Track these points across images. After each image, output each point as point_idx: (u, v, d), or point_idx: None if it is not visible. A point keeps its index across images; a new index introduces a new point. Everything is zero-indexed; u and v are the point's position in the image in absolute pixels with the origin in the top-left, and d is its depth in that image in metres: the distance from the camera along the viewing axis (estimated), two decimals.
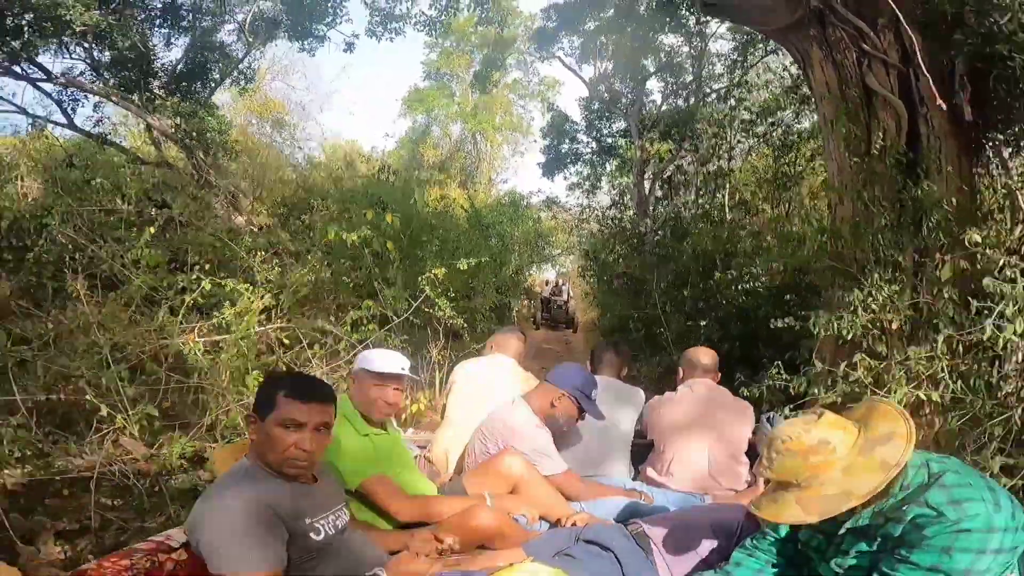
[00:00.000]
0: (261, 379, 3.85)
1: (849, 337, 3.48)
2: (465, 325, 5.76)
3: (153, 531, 3.61)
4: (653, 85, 13.41)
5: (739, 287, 7.59)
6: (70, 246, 4.50)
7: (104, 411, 3.24)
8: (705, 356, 3.29)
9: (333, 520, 1.85)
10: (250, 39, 10.66)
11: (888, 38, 4.78)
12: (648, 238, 10.87)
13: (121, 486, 3.46)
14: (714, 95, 11.93)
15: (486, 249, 8.71)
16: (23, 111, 9.29)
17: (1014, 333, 2.71)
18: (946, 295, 3.18)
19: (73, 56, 9.18)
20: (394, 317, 4.88)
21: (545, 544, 2.19)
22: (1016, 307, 2.76)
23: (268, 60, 12.93)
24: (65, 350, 3.64)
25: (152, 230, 4.57)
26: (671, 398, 3.20)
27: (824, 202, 6.64)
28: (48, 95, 9.29)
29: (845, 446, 1.48)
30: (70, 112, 9.36)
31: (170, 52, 10.52)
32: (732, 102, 11.27)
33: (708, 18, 10.65)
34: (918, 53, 4.31)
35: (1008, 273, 2.95)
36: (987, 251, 2.98)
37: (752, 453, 3.06)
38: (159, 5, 10.34)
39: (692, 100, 11.89)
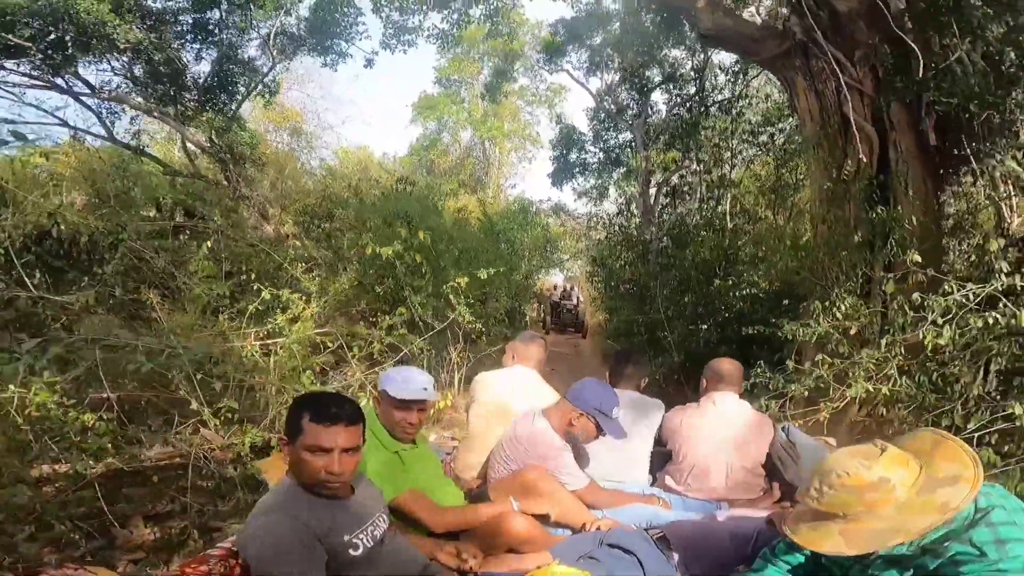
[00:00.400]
0: (312, 377, 4.52)
1: (813, 341, 4.12)
2: (482, 329, 6.39)
3: (225, 514, 4.21)
4: (658, 97, 14.02)
5: (737, 293, 8.19)
6: (137, 259, 5.16)
7: (194, 405, 3.87)
8: (729, 369, 3.27)
9: (371, 531, 1.90)
10: (274, 54, 11.40)
11: (864, 69, 5.42)
12: (653, 245, 11.48)
13: (203, 474, 4.07)
14: (716, 106, 12.50)
15: (500, 258, 9.31)
16: (64, 123, 10.01)
17: (945, 338, 3.33)
18: (896, 305, 3.79)
19: (116, 72, 9.93)
20: (421, 323, 5.53)
21: (570, 548, 2.30)
22: (949, 316, 3.39)
23: (284, 69, 13.61)
24: (143, 353, 4.28)
25: (209, 244, 5.24)
26: (693, 409, 3.21)
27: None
28: (89, 108, 10.03)
29: (904, 486, 1.44)
30: (109, 124, 10.14)
31: (199, 66, 11.32)
32: (734, 113, 11.85)
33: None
34: (894, 81, 4.97)
35: (946, 287, 3.59)
36: (926, 269, 3.61)
37: (766, 461, 3.13)
38: (190, 21, 11.11)
39: (695, 111, 12.47)
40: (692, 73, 12.96)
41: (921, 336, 3.35)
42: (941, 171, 5.08)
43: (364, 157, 20.14)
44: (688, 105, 12.92)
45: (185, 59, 10.49)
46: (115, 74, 9.79)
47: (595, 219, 14.93)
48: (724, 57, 14.00)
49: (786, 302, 6.48)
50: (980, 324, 3.35)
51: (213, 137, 9.43)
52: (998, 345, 3.43)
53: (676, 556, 2.24)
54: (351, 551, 1.79)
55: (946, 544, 1.39)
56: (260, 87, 11.54)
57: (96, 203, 7.48)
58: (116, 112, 10.15)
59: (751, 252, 8.19)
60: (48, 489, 4.22)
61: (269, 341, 4.58)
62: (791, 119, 11.27)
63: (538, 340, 3.61)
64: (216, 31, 11.09)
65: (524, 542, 2.31)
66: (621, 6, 12.03)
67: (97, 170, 8.17)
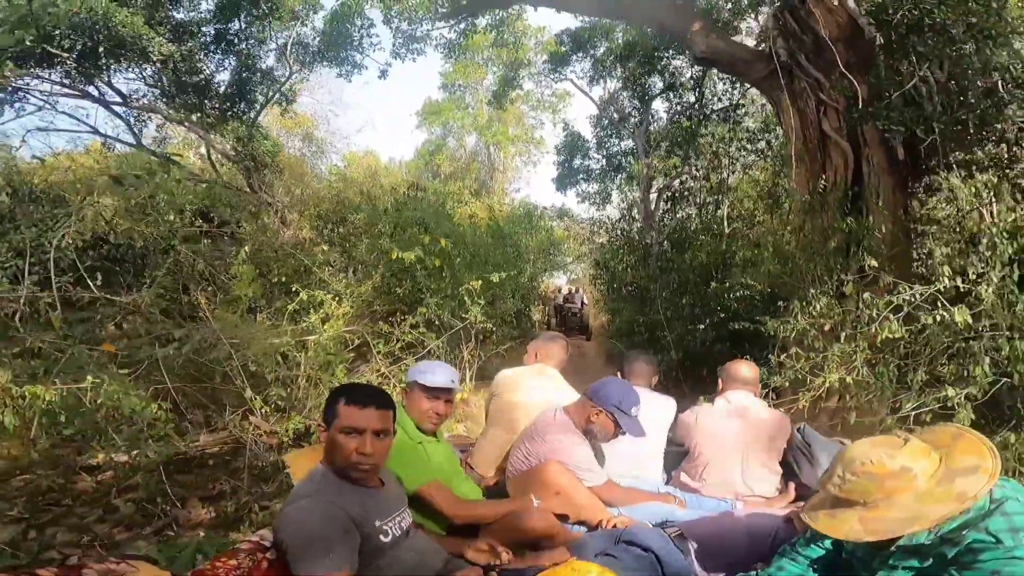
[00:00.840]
0: (344, 370, 5.12)
1: (792, 337, 4.71)
2: (492, 328, 6.99)
3: (271, 494, 4.72)
4: (659, 105, 14.62)
5: (732, 295, 8.77)
6: (180, 262, 5.77)
7: (248, 394, 4.47)
8: (745, 370, 3.35)
9: (399, 522, 2.01)
10: (291, 63, 12.04)
11: (840, 89, 6.01)
12: (653, 249, 12.09)
13: (251, 458, 4.61)
14: (715, 114, 13.08)
15: (508, 262, 9.90)
16: (95, 131, 10.65)
17: (895, 332, 3.93)
18: (861, 305, 4.38)
19: (147, 83, 10.57)
20: (438, 322, 6.13)
21: (587, 545, 2.34)
22: (897, 316, 3.99)
23: (304, 79, 14.27)
24: (196, 349, 4.88)
25: (247, 249, 5.85)
26: (709, 407, 3.30)
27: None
28: (119, 116, 10.66)
29: (925, 475, 1.51)
30: (137, 132, 10.78)
31: (219, 75, 11.96)
32: (732, 121, 12.43)
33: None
34: (861, 102, 5.59)
35: (901, 289, 4.18)
36: (880, 272, 4.20)
37: (782, 461, 3.21)
38: (212, 32, 11.75)
39: (695, 119, 13.06)
40: (692, 82, 13.54)
41: (873, 331, 3.95)
42: (909, 183, 5.67)
43: (372, 162, 20.76)
44: (688, 113, 13.51)
45: (208, 69, 11.17)
46: (146, 84, 10.44)
47: (598, 223, 15.56)
48: None
49: (781, 304, 7.11)
50: (930, 320, 3.95)
51: (236, 145, 10.03)
52: (946, 339, 4.02)
53: (693, 554, 2.27)
54: (382, 537, 1.91)
55: (964, 532, 1.45)
56: (278, 95, 12.20)
57: (128, 207, 8.09)
58: (144, 120, 10.80)
59: (745, 256, 8.76)
60: (108, 474, 4.78)
61: (304, 338, 5.19)
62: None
63: (560, 340, 3.72)
64: (236, 41, 11.74)
65: (543, 538, 2.36)
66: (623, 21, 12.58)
67: (127, 175, 8.76)
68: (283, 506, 1.90)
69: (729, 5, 11.92)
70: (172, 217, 6.08)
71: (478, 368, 7.73)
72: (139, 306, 5.23)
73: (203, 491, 4.71)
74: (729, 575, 2.11)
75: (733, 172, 12.95)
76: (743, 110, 12.43)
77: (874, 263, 4.25)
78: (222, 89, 11.42)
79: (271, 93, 11.97)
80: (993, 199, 4.06)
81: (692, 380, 8.84)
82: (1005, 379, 3.80)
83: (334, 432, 1.91)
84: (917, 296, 3.88)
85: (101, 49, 9.29)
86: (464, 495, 2.59)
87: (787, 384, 4.81)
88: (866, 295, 4.07)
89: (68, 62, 9.19)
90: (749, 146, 12.39)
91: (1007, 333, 3.82)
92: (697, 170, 12.80)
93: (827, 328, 4.68)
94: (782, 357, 4.60)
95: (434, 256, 6.09)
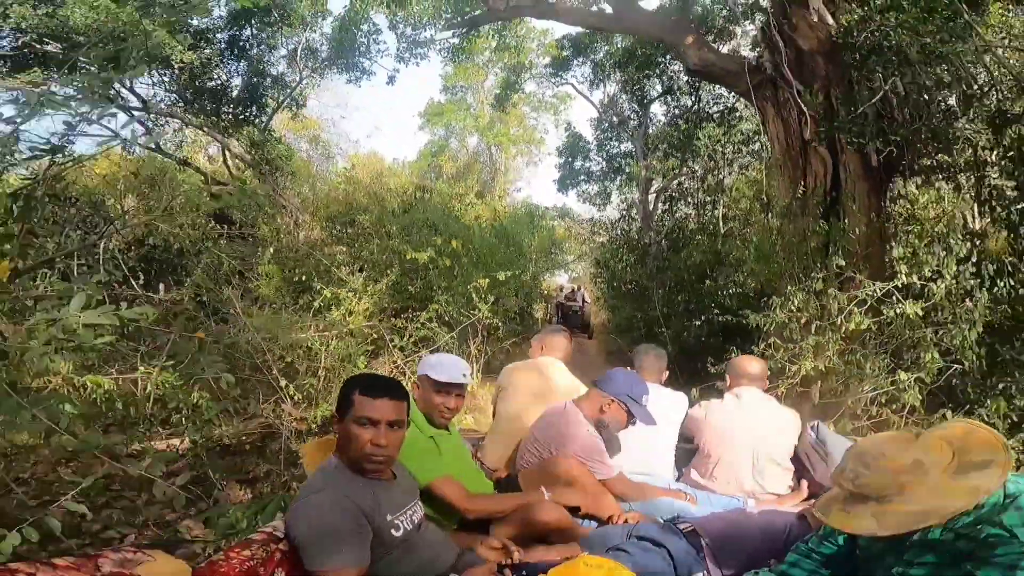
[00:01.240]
0: (364, 362, 5.65)
1: (772, 329, 5.24)
2: (499, 324, 7.53)
3: (300, 478, 5.18)
4: (657, 108, 15.16)
5: (725, 292, 9.31)
6: (215, 263, 6.30)
7: (283, 383, 5.00)
8: (752, 365, 3.37)
9: (410, 516, 2.01)
10: (301, 69, 12.62)
11: (820, 99, 6.53)
12: (651, 249, 12.63)
13: (287, 442, 5.08)
14: (710, 118, 13.60)
15: (510, 261, 10.43)
16: (116, 134, 11.14)
17: (858, 323, 4.46)
18: (829, 301, 4.90)
19: (167, 89, 11.13)
20: (448, 318, 6.67)
21: (598, 540, 2.37)
22: (861, 309, 4.53)
23: (315, 85, 14.85)
24: (230, 343, 5.40)
25: (272, 249, 6.39)
26: (718, 404, 3.29)
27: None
28: (140, 121, 11.19)
29: (938, 469, 1.52)
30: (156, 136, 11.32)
31: (232, 81, 12.51)
32: (727, 124, 12.95)
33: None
34: (836, 114, 6.12)
35: (865, 285, 4.72)
36: (852, 270, 4.74)
37: (795, 459, 3.22)
38: (225, 38, 12.30)
39: (692, 122, 13.57)
40: (688, 87, 14.06)
41: (840, 323, 4.48)
42: (883, 188, 6.18)
43: (376, 163, 21.28)
44: (685, 116, 14.03)
45: (224, 75, 11.75)
46: (164, 90, 11.01)
47: (598, 223, 16.11)
48: None
49: (767, 300, 7.65)
50: (892, 313, 4.49)
51: (250, 150, 10.58)
52: (906, 330, 4.56)
53: (706, 550, 2.27)
54: (392, 531, 1.90)
55: (978, 527, 1.44)
56: (288, 100, 12.77)
57: (149, 208, 8.61)
58: (161, 124, 11.35)
59: (737, 255, 9.29)
60: (148, 462, 5.27)
61: (327, 332, 5.71)
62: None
63: (563, 332, 3.79)
64: (248, 48, 12.31)
65: (554, 531, 2.37)
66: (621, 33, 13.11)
67: (149, 178, 9.28)
68: (294, 500, 1.92)
69: (724, 12, 12.47)
70: (201, 220, 6.59)
71: (485, 362, 8.27)
72: (179, 303, 5.75)
73: (240, 475, 5.19)
74: (741, 572, 2.07)
75: (730, 173, 13.48)
76: (738, 113, 12.94)
77: (842, 262, 4.80)
78: (235, 94, 12.01)
79: (281, 98, 12.54)
80: (949, 204, 4.58)
81: (688, 374, 9.35)
82: (957, 365, 4.34)
83: (348, 423, 1.92)
84: (878, 291, 4.41)
85: (123, 56, 9.83)
86: (475, 489, 2.57)
87: (768, 373, 5.34)
88: (831, 290, 4.61)
89: (92, 68, 9.74)
90: (744, 148, 12.90)
91: (962, 325, 4.36)
92: (694, 172, 13.33)
93: (804, 321, 5.20)
94: (761, 347, 5.11)
95: (445, 256, 6.64)
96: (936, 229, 4.55)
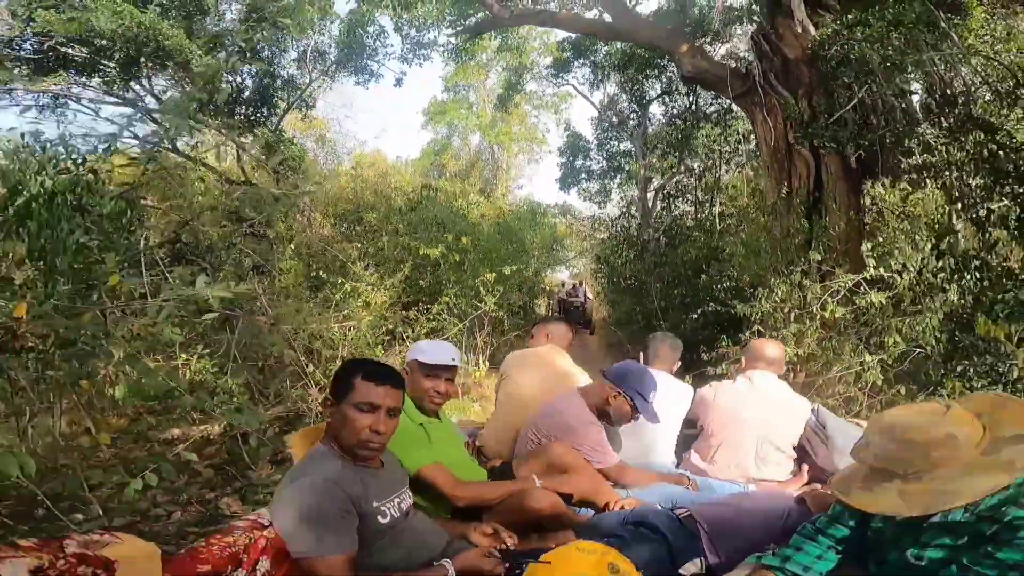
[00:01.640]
0: (382, 351, 6.16)
1: (756, 318, 5.74)
2: (504, 317, 8.03)
3: None
4: (656, 108, 15.64)
5: (719, 286, 9.80)
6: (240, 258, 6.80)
7: (310, 368, 5.50)
8: (769, 349, 3.30)
9: (398, 503, 1.99)
10: (311, 72, 13.11)
11: (804, 104, 7.03)
12: (650, 245, 13.14)
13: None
14: (707, 117, 14.08)
15: (513, 256, 10.95)
16: (135, 136, 11.66)
17: (833, 312, 4.96)
18: (807, 292, 5.40)
19: (185, 90, 11.62)
20: (456, 310, 7.19)
21: (594, 527, 2.36)
22: (834, 299, 5.03)
23: (328, 88, 15.36)
24: (256, 332, 5.90)
25: (292, 246, 6.90)
26: (729, 385, 3.26)
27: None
28: (156, 122, 11.66)
29: (970, 444, 1.44)
30: (172, 136, 11.78)
31: (243, 82, 12.99)
32: (723, 124, 13.45)
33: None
34: (819, 118, 6.61)
35: (839, 275, 5.21)
36: (830, 264, 5.24)
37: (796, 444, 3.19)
38: (239, 41, 12.79)
39: (689, 121, 14.06)
40: (686, 87, 14.53)
41: (815, 311, 4.99)
42: (861, 187, 6.68)
43: (380, 161, 21.77)
44: (683, 116, 14.52)
45: (240, 77, 12.24)
46: (180, 92, 11.46)
47: (599, 221, 16.63)
48: None
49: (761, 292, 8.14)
50: (862, 303, 4.99)
51: (263, 151, 11.08)
52: (876, 317, 5.07)
53: (704, 536, 2.25)
54: (380, 518, 1.89)
55: (1003, 509, 1.39)
56: (298, 102, 13.26)
57: (181, 207, 9.07)
58: (174, 125, 11.81)
59: (731, 251, 9.79)
60: (182, 445, 5.75)
61: (348, 323, 6.21)
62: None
63: (564, 321, 3.88)
64: (260, 50, 12.79)
65: (548, 519, 2.35)
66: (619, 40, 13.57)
67: (177, 177, 9.76)
68: (279, 485, 1.91)
69: (720, 17, 12.95)
70: (228, 218, 7.07)
71: (490, 354, 8.78)
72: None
73: (271, 455, 5.68)
74: (739, 558, 2.04)
75: (727, 172, 13.97)
76: (734, 113, 13.41)
77: (818, 257, 5.30)
78: (246, 95, 12.50)
79: (291, 99, 13.03)
80: (912, 204, 5.08)
81: (684, 363, 9.85)
82: (919, 349, 4.84)
83: (347, 407, 1.91)
84: (849, 283, 4.91)
85: (143, 59, 10.37)
86: (468, 478, 2.55)
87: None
88: (806, 282, 5.11)
89: (112, 71, 10.25)
90: (740, 146, 13.38)
91: (926, 313, 4.86)
92: (692, 170, 13.83)
93: (787, 311, 5.70)
94: (747, 335, 5.61)
95: (455, 252, 7.16)
96: (902, 226, 5.03)
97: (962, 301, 4.97)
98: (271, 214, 9.28)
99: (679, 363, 3.61)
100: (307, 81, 13.21)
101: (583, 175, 16.84)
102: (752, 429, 3.09)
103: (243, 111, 11.99)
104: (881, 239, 5.06)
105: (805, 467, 3.11)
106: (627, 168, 16.04)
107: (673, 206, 14.09)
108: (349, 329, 6.12)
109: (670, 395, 3.22)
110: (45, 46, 9.92)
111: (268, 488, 4.89)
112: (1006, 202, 5.54)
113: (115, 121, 11.22)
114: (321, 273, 7.00)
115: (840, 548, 1.80)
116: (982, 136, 4.97)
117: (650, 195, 15.27)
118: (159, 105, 11.19)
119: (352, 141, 23.21)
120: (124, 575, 1.40)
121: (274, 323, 5.11)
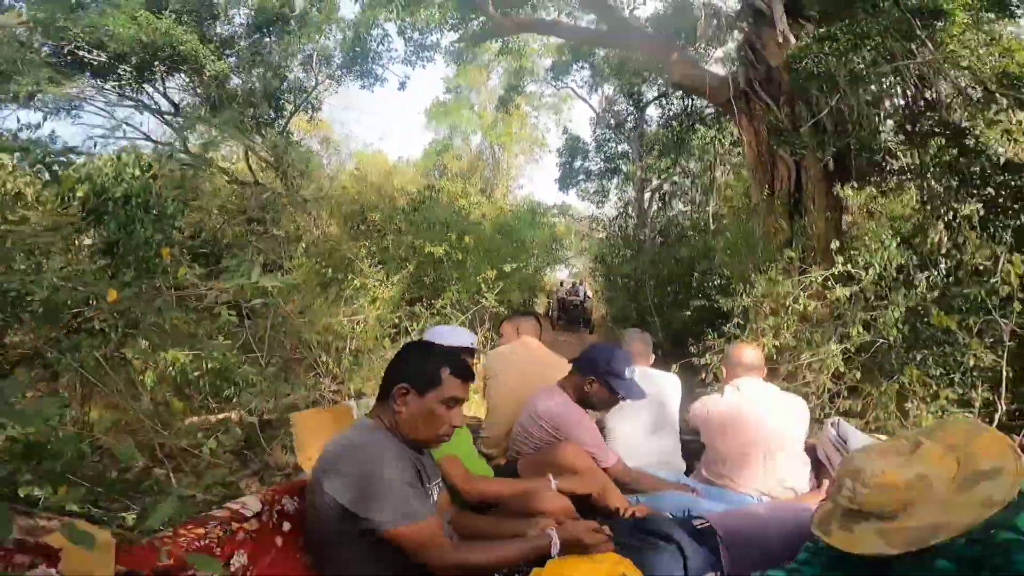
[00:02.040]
0: (390, 344, 6.62)
1: (738, 312, 6.21)
2: (505, 313, 8.48)
3: None
4: (652, 111, 16.15)
5: (710, 283, 10.28)
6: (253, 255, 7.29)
7: (323, 358, 5.97)
8: (747, 354, 3.23)
9: (438, 488, 2.02)
10: (318, 76, 13.64)
11: (786, 111, 7.50)
12: (646, 245, 13.63)
13: None
14: (702, 120, 14.56)
15: (513, 255, 11.43)
16: (148, 137, 12.22)
17: (808, 307, 5.43)
18: (780, 288, 5.87)
19: (196, 94, 12.16)
20: (458, 306, 7.67)
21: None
22: (805, 295, 5.50)
23: (334, 91, 15.86)
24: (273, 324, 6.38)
25: (304, 245, 7.39)
26: (718, 400, 3.17)
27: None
28: (169, 124, 12.22)
29: (943, 481, 1.44)
30: (185, 138, 12.36)
31: (249, 85, 13.50)
32: (717, 127, 13.92)
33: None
34: (801, 124, 7.08)
35: (810, 271, 5.68)
36: (806, 263, 5.72)
37: (815, 458, 3.12)
38: (247, 45, 13.29)
39: (684, 124, 14.54)
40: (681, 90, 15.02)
41: (788, 305, 5.46)
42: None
43: (382, 161, 22.27)
44: (679, 118, 15.00)
45: (248, 80, 12.78)
46: (192, 95, 12.02)
47: (597, 221, 17.13)
48: None
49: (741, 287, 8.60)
50: (833, 297, 5.46)
51: (271, 153, 11.58)
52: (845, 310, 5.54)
53: (722, 547, 2.19)
54: (429, 498, 1.89)
55: (991, 532, 1.39)
56: (304, 104, 13.79)
57: (200, 207, 9.55)
58: (187, 127, 12.39)
59: (717, 249, 10.27)
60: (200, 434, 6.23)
61: (357, 316, 6.69)
62: None
63: (531, 314, 3.91)
64: (268, 54, 13.31)
65: (556, 519, 2.21)
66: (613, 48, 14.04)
67: (192, 178, 10.25)
68: (327, 460, 1.80)
69: (716, 21, 13.42)
70: (241, 218, 7.56)
71: (491, 348, 9.24)
72: (227, 291, 6.72)
73: (286, 441, 6.13)
74: (759, 568, 1.98)
75: (721, 173, 14.45)
76: (727, 116, 13.87)
77: (792, 255, 5.78)
78: (254, 98, 13.02)
79: (298, 102, 13.56)
80: (878, 205, 5.55)
81: (676, 357, 10.33)
82: (882, 340, 5.30)
83: (431, 401, 1.86)
84: (818, 279, 5.38)
85: (157, 63, 10.89)
86: (476, 472, 2.53)
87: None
88: (779, 277, 5.58)
89: (129, 74, 10.79)
90: (734, 148, 13.84)
91: (890, 307, 5.32)
92: (687, 171, 14.33)
93: (765, 305, 6.17)
94: (729, 326, 6.08)
95: (458, 251, 7.65)
96: (868, 226, 5.49)
97: (931, 295, 5.42)
98: (279, 214, 9.81)
99: (652, 356, 3.65)
100: (313, 84, 13.74)
101: (581, 176, 17.35)
102: (754, 439, 3.01)
103: (252, 113, 12.51)
104: (849, 238, 5.52)
105: (826, 482, 2.98)
106: (625, 169, 16.54)
107: (669, 206, 14.58)
108: (358, 323, 6.60)
109: (657, 388, 3.24)
110: (65, 51, 10.43)
111: (284, 471, 5.23)
112: (972, 203, 6.03)
113: (131, 124, 11.75)
114: (330, 270, 7.47)
115: (842, 565, 1.75)
116: (943, 142, 5.41)
117: (647, 195, 15.79)
118: (172, 108, 11.74)
119: (356, 143, 23.73)
120: (69, 564, 1.26)
121: (302, 312, 5.59)
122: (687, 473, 3.29)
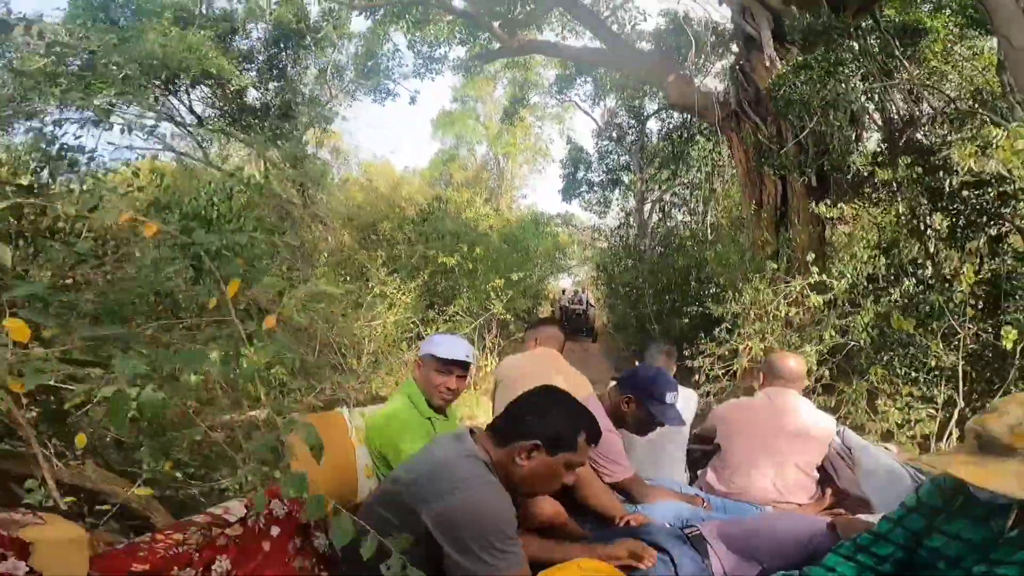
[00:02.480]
0: (407, 347, 7.28)
1: (727, 318, 6.85)
2: (511, 319, 9.17)
3: None
4: (653, 124, 16.83)
5: (706, 292, 10.90)
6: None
7: (344, 360, 6.61)
8: (788, 364, 3.19)
9: None
10: (332, 90, 14.38)
11: (772, 130, 8.16)
12: (646, 254, 14.29)
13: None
14: (700, 133, 15.22)
15: (518, 264, 12.09)
16: (171, 148, 12.93)
17: (785, 313, 6.08)
18: (764, 296, 6.51)
19: (214, 106, 12.88)
20: (468, 312, 8.33)
21: (599, 542, 2.23)
22: (786, 302, 6.15)
23: (348, 105, 16.62)
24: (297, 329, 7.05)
25: (326, 255, 8.05)
26: (747, 404, 3.19)
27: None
28: (191, 135, 12.94)
29: None
30: (206, 148, 13.12)
31: (273, 98, 14.24)
32: (714, 141, 14.59)
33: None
34: (787, 143, 7.75)
35: (789, 280, 6.33)
36: (781, 273, 6.37)
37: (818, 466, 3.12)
38: (264, 58, 14.03)
39: (684, 136, 15.20)
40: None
41: (769, 311, 6.11)
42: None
43: (389, 172, 22.99)
44: (678, 131, 15.66)
45: (266, 93, 13.51)
46: (213, 107, 12.73)
47: (598, 231, 17.83)
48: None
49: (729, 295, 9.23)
50: (812, 304, 6.11)
51: (286, 164, 12.28)
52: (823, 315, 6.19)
53: (713, 556, 2.22)
54: None
55: None
56: (319, 117, 14.52)
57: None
58: (208, 138, 13.14)
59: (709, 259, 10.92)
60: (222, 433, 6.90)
61: (377, 322, 7.34)
62: None
63: (555, 324, 3.93)
64: (285, 68, 14.04)
65: (550, 525, 2.31)
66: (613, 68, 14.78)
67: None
68: (456, 489, 1.74)
69: (713, 37, 14.13)
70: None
71: (499, 353, 9.90)
72: (256, 296, 7.39)
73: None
74: None
75: (723, 185, 15.09)
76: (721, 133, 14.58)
77: (774, 265, 6.44)
78: (271, 111, 13.73)
79: (313, 115, 14.29)
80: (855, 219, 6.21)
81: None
82: (853, 343, 5.94)
83: (559, 463, 1.86)
84: (796, 288, 6.04)
85: (180, 76, 11.58)
86: None
87: (726, 353, 6.98)
88: (761, 286, 6.23)
89: (156, 87, 11.49)
90: (731, 160, 14.50)
91: (862, 313, 5.97)
92: (686, 183, 15.01)
93: (750, 312, 6.82)
94: (718, 331, 6.72)
95: (469, 261, 8.33)
96: (843, 239, 6.16)
97: (901, 302, 6.05)
98: (296, 224, 10.49)
99: (675, 367, 3.72)
100: (327, 97, 14.48)
101: (584, 187, 18.02)
102: (771, 450, 3.01)
103: (269, 125, 13.24)
104: (832, 250, 6.17)
105: (828, 490, 3.05)
106: (626, 180, 17.24)
107: (669, 217, 15.26)
108: (377, 328, 7.24)
109: (689, 404, 3.26)
110: (96, 64, 11.10)
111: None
112: (940, 218, 6.68)
113: (154, 135, 12.45)
114: (347, 279, 8.13)
115: (881, 569, 1.75)
116: (909, 160, 6.05)
117: (647, 206, 16.50)
118: (195, 120, 12.46)
119: (364, 153, 24.46)
120: (41, 560, 1.26)
121: (343, 314, 6.22)
122: (690, 483, 3.32)
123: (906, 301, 6.05)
